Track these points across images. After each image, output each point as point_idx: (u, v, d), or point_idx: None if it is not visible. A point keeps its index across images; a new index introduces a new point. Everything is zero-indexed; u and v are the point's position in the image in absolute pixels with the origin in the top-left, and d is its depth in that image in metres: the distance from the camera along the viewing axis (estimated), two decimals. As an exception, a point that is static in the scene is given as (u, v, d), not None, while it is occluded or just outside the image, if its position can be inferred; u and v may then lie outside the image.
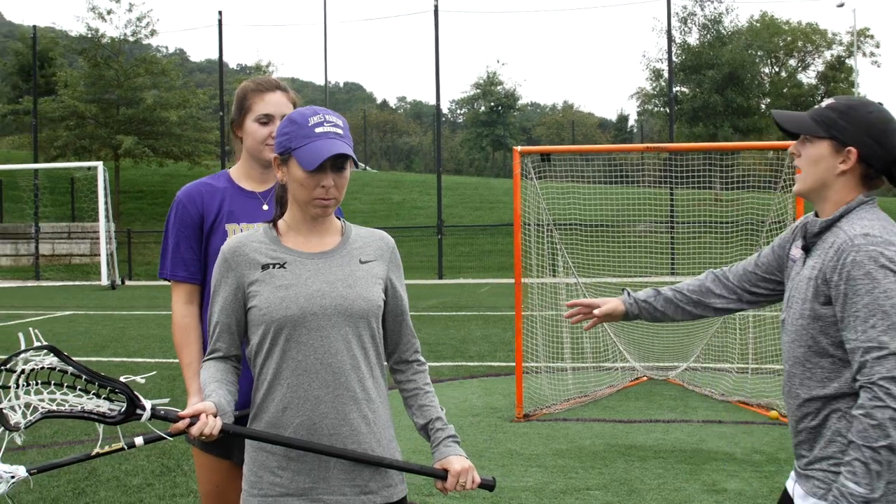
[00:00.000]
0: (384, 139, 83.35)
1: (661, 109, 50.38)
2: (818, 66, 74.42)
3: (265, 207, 4.10)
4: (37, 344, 2.99)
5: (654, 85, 51.42)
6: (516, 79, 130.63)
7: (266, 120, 4.08)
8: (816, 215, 3.28)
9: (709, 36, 47.10)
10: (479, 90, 72.54)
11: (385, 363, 3.48)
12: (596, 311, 3.85)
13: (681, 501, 7.30)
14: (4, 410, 2.96)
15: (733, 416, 10.22)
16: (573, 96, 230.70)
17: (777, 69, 73.97)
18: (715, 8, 46.74)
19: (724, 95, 45.00)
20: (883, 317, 2.96)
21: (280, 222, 3.38)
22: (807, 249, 3.25)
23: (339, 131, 3.26)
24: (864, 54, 74.89)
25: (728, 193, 14.53)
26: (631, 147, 13.41)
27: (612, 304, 3.86)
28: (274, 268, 3.26)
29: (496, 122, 70.45)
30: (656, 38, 75.35)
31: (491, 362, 13.84)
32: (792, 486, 3.40)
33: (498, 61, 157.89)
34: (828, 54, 73.92)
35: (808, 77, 74.56)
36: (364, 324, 3.28)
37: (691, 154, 14.20)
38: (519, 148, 10.82)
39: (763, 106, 56.57)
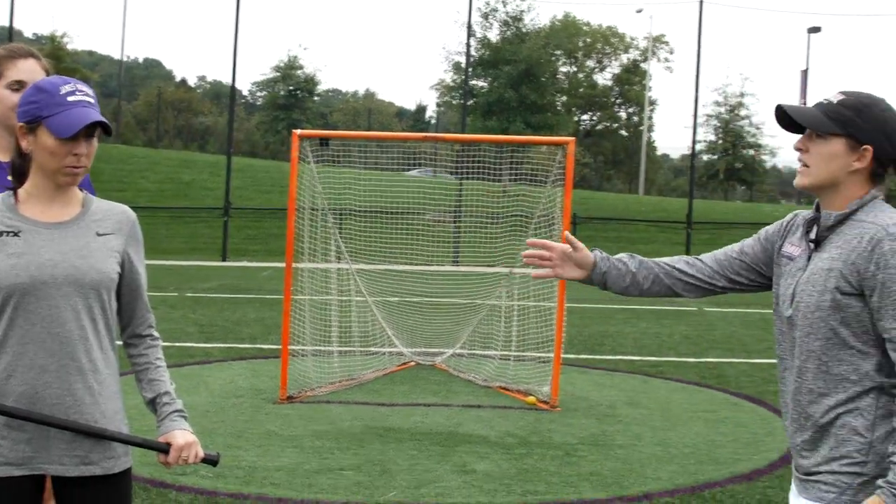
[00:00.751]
0: (179, 118, 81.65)
1: (459, 102, 50.97)
2: (614, 68, 76.81)
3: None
4: None
5: (454, 77, 52.00)
6: (317, 64, 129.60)
7: (18, 87, 4.00)
8: (818, 210, 3.21)
9: (509, 32, 47.85)
10: (278, 73, 71.86)
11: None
12: (560, 269, 3.50)
13: (430, 481, 7.49)
14: None
15: (492, 401, 10.51)
16: (374, 84, 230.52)
17: (575, 69, 75.91)
18: (517, 5, 47.53)
19: (518, 91, 45.80)
20: None
21: (21, 191, 3.33)
22: (817, 242, 3.16)
23: (91, 100, 3.28)
24: (659, 59, 77.71)
25: (516, 186, 14.86)
26: (408, 136, 13.62)
27: (583, 255, 3.51)
28: (7, 236, 3.23)
29: (294, 107, 69.95)
30: (458, 31, 76.14)
31: (262, 345, 13.80)
32: (797, 496, 3.26)
33: (300, 45, 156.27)
34: (624, 57, 76.40)
35: (604, 78, 76.89)
36: (95, 295, 3.28)
37: (483, 146, 14.46)
38: (298, 131, 10.85)
39: (558, 104, 57.97)
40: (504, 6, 47.46)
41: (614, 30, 76.37)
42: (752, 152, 68.01)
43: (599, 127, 77.34)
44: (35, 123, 3.23)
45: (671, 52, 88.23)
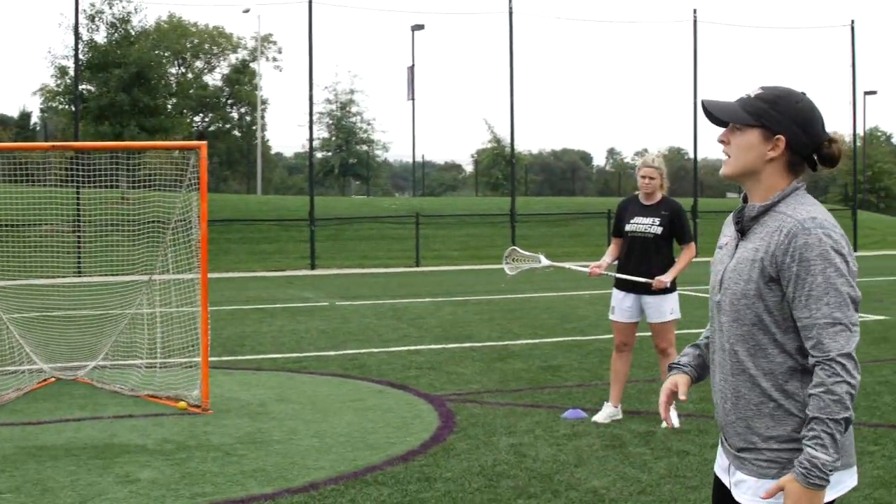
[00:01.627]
0: None
1: (67, 107, 49.24)
2: (224, 68, 76.60)
3: None
4: None
5: (59, 82, 50.17)
6: None
7: None
8: (745, 200, 3.44)
9: (116, 35, 46.71)
10: None
11: None
12: (681, 397, 3.65)
13: (95, 495, 7.43)
14: None
15: (143, 410, 10.46)
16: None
17: (184, 70, 75.07)
18: (123, 7, 46.45)
19: (130, 95, 44.87)
20: (836, 294, 3.15)
21: None
22: (742, 232, 3.40)
23: None
24: (268, 59, 78.16)
25: (134, 193, 14.70)
26: (34, 146, 13.23)
27: (681, 380, 3.69)
28: None
29: None
30: (63, 34, 73.26)
31: None
32: (727, 470, 3.51)
33: None
34: (233, 57, 76.33)
35: (213, 79, 76.51)
36: None
37: (98, 153, 14.20)
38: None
39: (169, 106, 57.12)
40: (111, 8, 46.32)
41: (221, 30, 76.17)
42: (365, 148, 70.06)
43: (212, 128, 76.87)
44: None
45: (280, 52, 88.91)
